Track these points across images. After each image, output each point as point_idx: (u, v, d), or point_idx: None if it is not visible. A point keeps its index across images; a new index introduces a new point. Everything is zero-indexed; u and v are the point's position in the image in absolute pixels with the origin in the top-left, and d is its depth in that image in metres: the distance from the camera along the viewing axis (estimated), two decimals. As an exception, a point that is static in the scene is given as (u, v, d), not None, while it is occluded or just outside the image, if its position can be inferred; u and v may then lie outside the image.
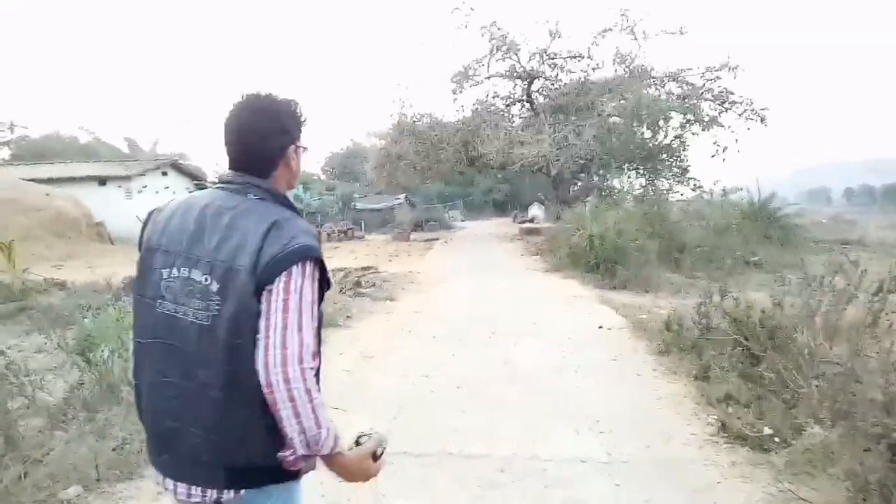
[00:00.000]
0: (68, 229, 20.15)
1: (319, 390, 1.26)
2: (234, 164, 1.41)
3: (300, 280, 1.25)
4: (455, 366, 5.07)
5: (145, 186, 25.11)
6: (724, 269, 13.11)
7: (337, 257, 18.80)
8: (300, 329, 1.22)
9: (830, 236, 19.56)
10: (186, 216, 1.37)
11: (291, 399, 1.18)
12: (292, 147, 1.42)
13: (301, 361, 1.20)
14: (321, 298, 1.33)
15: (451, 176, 27.37)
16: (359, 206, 35.72)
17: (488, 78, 22.64)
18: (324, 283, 1.34)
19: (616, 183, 23.31)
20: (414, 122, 22.23)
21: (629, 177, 22.33)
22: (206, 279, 1.27)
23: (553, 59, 22.06)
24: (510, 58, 21.96)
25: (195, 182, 28.55)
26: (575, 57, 21.89)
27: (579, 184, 24.67)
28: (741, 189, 17.20)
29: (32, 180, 22.60)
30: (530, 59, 22.01)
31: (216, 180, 1.48)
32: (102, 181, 24.58)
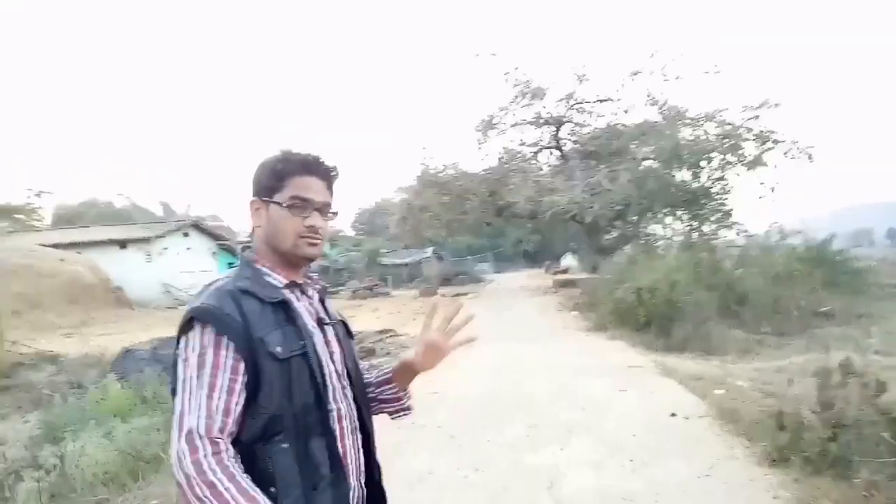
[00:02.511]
0: (83, 295, 19.42)
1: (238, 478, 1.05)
2: None
3: (195, 348, 1.12)
4: (475, 497, 3.61)
5: (166, 248, 24.50)
6: (793, 322, 11.58)
7: (359, 316, 17.58)
8: (191, 410, 1.08)
9: (890, 280, 17.72)
10: None
11: (198, 499, 1.02)
12: (252, 201, 1.31)
13: (193, 451, 1.04)
14: (251, 370, 1.12)
15: (478, 227, 26.26)
16: (385, 261, 34.68)
17: (514, 126, 21.79)
18: (254, 350, 1.13)
19: (654, 229, 21.91)
20: (437, 172, 21.31)
21: (668, 223, 20.96)
22: None
23: (580, 103, 21.14)
24: (535, 103, 21.11)
25: (218, 243, 27.93)
26: (604, 101, 20.95)
27: (615, 232, 23.32)
28: (799, 232, 15.56)
29: (54, 246, 22.17)
30: (557, 105, 21.13)
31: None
32: (123, 244, 24.08)
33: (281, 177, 1.27)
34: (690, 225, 19.78)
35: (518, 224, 25.86)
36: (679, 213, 20.24)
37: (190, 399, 1.09)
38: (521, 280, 30.34)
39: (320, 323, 1.31)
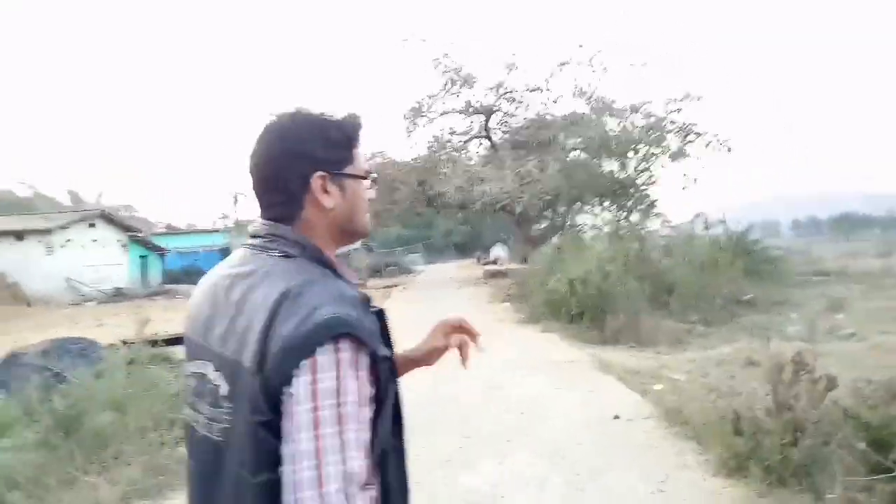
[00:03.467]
0: (-32, 292, 17.56)
1: None
2: (260, 210, 1.06)
3: (333, 371, 0.85)
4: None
5: (69, 240, 22.58)
6: (718, 311, 11.77)
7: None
8: (343, 449, 0.83)
9: (800, 268, 18.61)
10: (207, 290, 1.06)
11: None
12: (317, 175, 1.00)
13: (350, 487, 0.83)
14: (379, 393, 0.91)
15: (407, 217, 25.73)
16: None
17: (443, 114, 21.35)
18: (380, 370, 0.91)
19: (582, 220, 22.10)
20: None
21: (596, 213, 21.18)
22: (217, 377, 0.95)
23: (510, 92, 20.92)
24: (465, 91, 20.75)
25: (129, 235, 26.08)
26: (533, 90, 20.82)
27: (544, 222, 23.38)
28: (723, 222, 15.95)
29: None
30: (486, 94, 20.84)
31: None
32: (20, 235, 21.99)
33: (350, 144, 1.06)
34: (617, 215, 20.03)
35: (448, 214, 25.53)
36: (606, 203, 20.46)
37: (335, 434, 0.85)
38: (452, 271, 30.03)
39: None
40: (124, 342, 8.82)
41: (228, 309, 0.97)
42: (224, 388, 0.94)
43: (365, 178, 1.09)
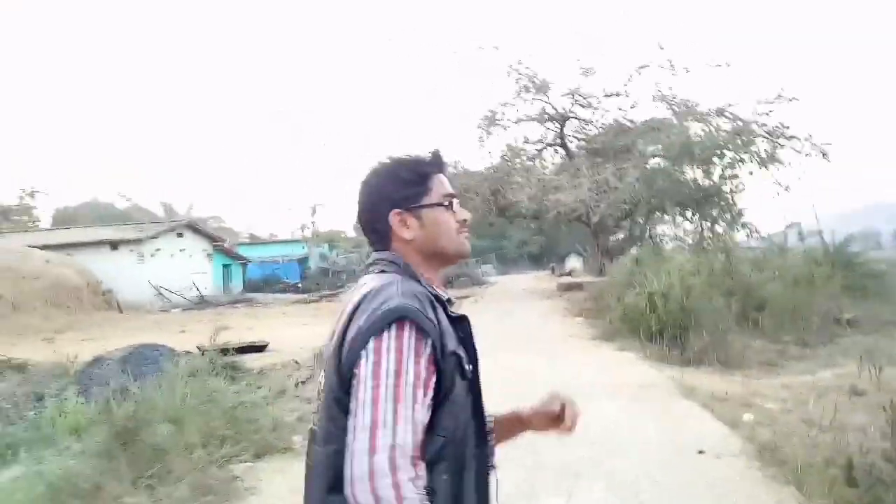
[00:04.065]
0: (68, 298, 18.73)
1: None
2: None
3: (393, 353, 0.98)
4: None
5: (158, 249, 23.78)
6: (815, 331, 10.77)
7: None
8: (395, 423, 0.93)
9: None
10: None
11: None
12: (394, 213, 1.18)
13: (394, 472, 0.90)
14: (442, 385, 1.02)
15: (480, 227, 25.49)
16: (385, 263, 33.86)
17: (517, 122, 21.01)
18: (446, 363, 1.03)
19: (663, 230, 21.12)
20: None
21: (678, 223, 20.15)
22: (320, 374, 1.16)
23: (586, 98, 20.34)
24: (540, 99, 20.34)
25: (214, 245, 27.22)
26: (610, 95, 20.13)
27: (622, 233, 22.54)
28: (819, 232, 14.73)
29: (43, 247, 21.52)
30: (561, 100, 20.35)
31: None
32: (114, 245, 23.38)
33: (423, 180, 1.21)
34: (701, 225, 18.97)
35: (521, 224, 25.15)
36: (689, 212, 19.43)
37: (391, 409, 0.95)
38: (525, 282, 29.50)
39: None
40: (200, 349, 9.05)
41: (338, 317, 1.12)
42: (320, 379, 1.12)
43: (442, 204, 1.19)
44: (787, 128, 18.15)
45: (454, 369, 1.05)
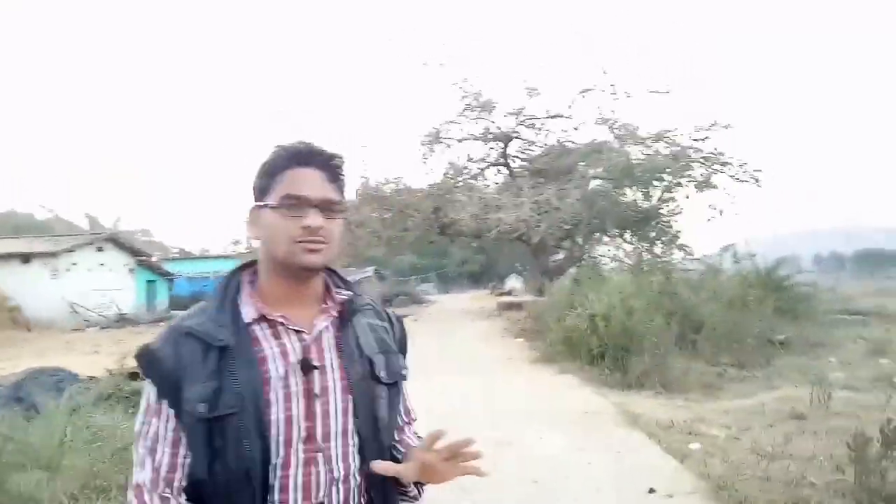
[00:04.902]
0: (-34, 315, 17.08)
1: None
2: None
3: (144, 393, 1.05)
4: None
5: (74, 264, 22.14)
6: (750, 353, 10.81)
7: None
8: (137, 449, 1.03)
9: (829, 306, 17.49)
10: None
11: None
12: (250, 209, 1.13)
13: (141, 495, 0.99)
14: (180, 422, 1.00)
15: (420, 245, 25.08)
16: (323, 280, 32.87)
17: (461, 141, 20.81)
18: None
19: (602, 251, 21.23)
20: (377, 185, 20.03)
21: (617, 244, 20.31)
22: None
23: (531, 119, 20.36)
24: (484, 118, 20.20)
25: (138, 260, 25.64)
26: (554, 117, 20.23)
27: (562, 253, 22.56)
28: (754, 255, 15.00)
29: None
30: (506, 119, 20.29)
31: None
32: (26, 258, 21.62)
33: (271, 173, 1.09)
34: (639, 246, 19.16)
35: (462, 243, 24.92)
36: (628, 234, 19.62)
37: (139, 450, 1.02)
38: (465, 302, 29.19)
39: (306, 367, 1.04)
40: (111, 373, 8.13)
41: None
42: None
43: (272, 207, 1.06)
44: (722, 154, 18.64)
45: (187, 412, 0.99)
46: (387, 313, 1.24)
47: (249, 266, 1.14)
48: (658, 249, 18.55)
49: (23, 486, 3.48)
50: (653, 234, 18.90)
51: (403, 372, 1.18)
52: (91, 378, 8.36)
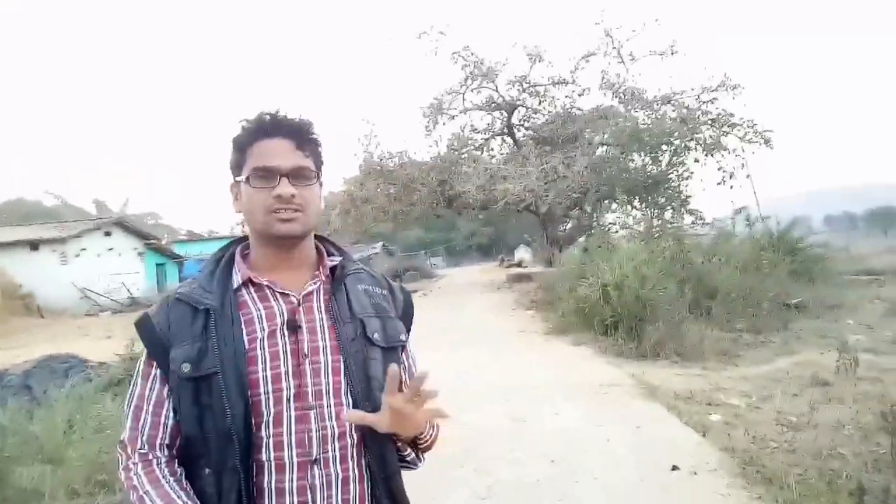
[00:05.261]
0: (-22, 304, 17.15)
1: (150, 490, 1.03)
2: None
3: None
4: None
5: (84, 249, 22.16)
6: (766, 317, 10.64)
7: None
8: (126, 408, 1.12)
9: (843, 267, 17.21)
10: None
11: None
12: (231, 184, 1.18)
13: (124, 450, 1.09)
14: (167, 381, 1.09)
15: (427, 219, 24.86)
16: (332, 257, 32.77)
17: (464, 111, 20.42)
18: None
19: (611, 218, 20.96)
20: (381, 160, 19.76)
21: (626, 211, 20.03)
22: None
23: (534, 86, 19.92)
24: (487, 86, 19.80)
25: (146, 243, 25.64)
26: (558, 83, 19.78)
27: (570, 222, 22.29)
28: (767, 217, 14.73)
29: (-46, 248, 19.73)
30: (509, 88, 19.85)
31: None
32: (34, 245, 21.64)
33: (241, 148, 1.13)
34: (648, 212, 18.88)
35: (470, 216, 24.67)
36: (637, 200, 19.33)
37: (126, 409, 1.10)
38: (474, 275, 29.08)
39: (291, 327, 1.08)
40: (122, 358, 8.06)
41: None
42: None
43: (245, 181, 1.11)
44: (731, 115, 18.21)
45: (173, 371, 1.05)
46: (388, 282, 1.27)
47: (244, 240, 1.19)
48: (668, 215, 18.26)
49: (24, 479, 3.40)
50: (662, 200, 18.58)
51: (402, 337, 1.19)
52: (101, 364, 8.32)
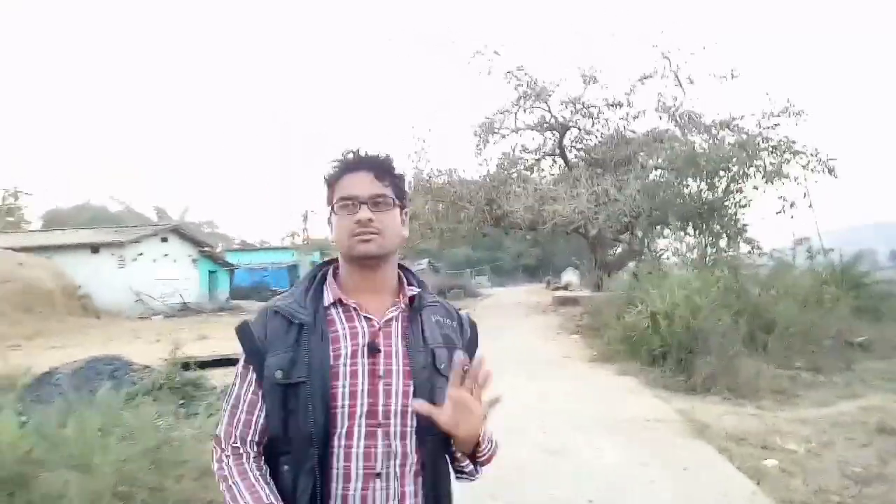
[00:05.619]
0: (40, 303, 17.89)
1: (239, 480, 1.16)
2: None
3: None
4: None
5: (141, 254, 22.96)
6: (827, 356, 10.05)
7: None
8: (224, 406, 1.26)
9: None
10: None
11: (221, 491, 1.19)
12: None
13: (218, 444, 1.22)
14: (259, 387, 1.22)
15: (474, 238, 24.71)
16: (377, 272, 32.91)
17: (515, 131, 20.31)
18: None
19: (662, 244, 20.38)
20: (430, 177, 19.80)
21: (679, 237, 19.41)
22: None
23: (587, 107, 19.66)
24: (539, 107, 19.64)
25: (200, 250, 26.39)
26: (612, 105, 19.46)
27: (620, 246, 21.78)
28: (831, 250, 14.01)
29: (23, 249, 20.72)
30: (562, 109, 19.65)
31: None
32: (95, 249, 22.56)
33: (330, 183, 1.28)
34: (703, 240, 18.24)
35: (517, 236, 24.46)
36: (691, 227, 18.73)
37: (225, 406, 1.25)
38: (520, 295, 28.73)
39: (371, 349, 1.19)
40: (170, 362, 8.17)
41: None
42: None
43: (333, 210, 1.26)
44: (794, 142, 17.50)
45: (267, 377, 1.17)
46: (458, 315, 1.37)
47: (334, 261, 1.31)
48: (723, 243, 17.62)
49: (49, 484, 3.37)
50: (717, 227, 17.96)
51: (465, 368, 1.23)
52: (145, 367, 8.46)
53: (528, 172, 20.58)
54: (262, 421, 1.17)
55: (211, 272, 27.18)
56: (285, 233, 46.16)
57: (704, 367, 7.65)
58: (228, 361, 10.25)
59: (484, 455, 1.27)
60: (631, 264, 19.29)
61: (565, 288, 27.78)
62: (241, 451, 1.17)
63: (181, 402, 6.79)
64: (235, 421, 1.19)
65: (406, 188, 1.34)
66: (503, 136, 20.40)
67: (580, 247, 25.56)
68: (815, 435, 5.51)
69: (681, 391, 7.20)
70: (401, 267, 1.32)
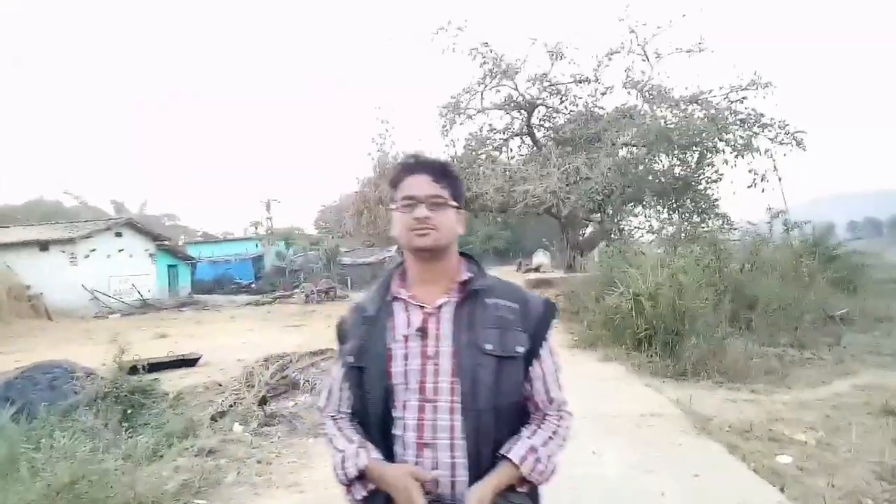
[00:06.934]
0: (-16, 305, 16.74)
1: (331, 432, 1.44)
2: None
3: None
4: None
5: (93, 250, 21.76)
6: (810, 331, 9.84)
7: (308, 326, 15.40)
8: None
9: (879, 275, 16.21)
10: None
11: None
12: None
13: (322, 413, 1.51)
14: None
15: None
16: (345, 260, 32.22)
17: (483, 111, 19.70)
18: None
19: (634, 223, 20.12)
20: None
21: (650, 215, 19.14)
22: None
23: (555, 84, 19.14)
24: (506, 84, 19.05)
25: (157, 244, 25.22)
26: (580, 82, 18.98)
27: (591, 226, 21.48)
28: (807, 222, 13.85)
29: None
30: (529, 86, 19.08)
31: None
32: (44, 246, 21.28)
33: (394, 185, 1.44)
34: (679, 216, 17.99)
35: (487, 219, 23.90)
36: (663, 203, 18.45)
37: (325, 382, 1.52)
38: (492, 279, 28.32)
39: (421, 334, 1.35)
40: (114, 366, 7.38)
41: None
42: None
43: (395, 209, 1.41)
44: (762, 115, 17.31)
45: (344, 361, 1.42)
46: (524, 296, 1.44)
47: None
48: (696, 219, 17.40)
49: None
50: (690, 203, 17.73)
51: (518, 349, 1.34)
52: (89, 375, 7.69)
53: (497, 153, 20.02)
54: (347, 394, 1.41)
55: (171, 266, 26.03)
56: (248, 223, 44.91)
57: (693, 349, 7.27)
58: (185, 362, 9.51)
59: (534, 479, 1.32)
60: (602, 244, 19.00)
61: (537, 270, 27.46)
62: (336, 417, 1.43)
63: (128, 411, 6.12)
64: (331, 395, 1.46)
65: (464, 191, 1.50)
66: (470, 117, 19.76)
67: (551, 228, 25.23)
68: (819, 422, 5.15)
69: (671, 377, 6.80)
70: (465, 256, 1.48)
